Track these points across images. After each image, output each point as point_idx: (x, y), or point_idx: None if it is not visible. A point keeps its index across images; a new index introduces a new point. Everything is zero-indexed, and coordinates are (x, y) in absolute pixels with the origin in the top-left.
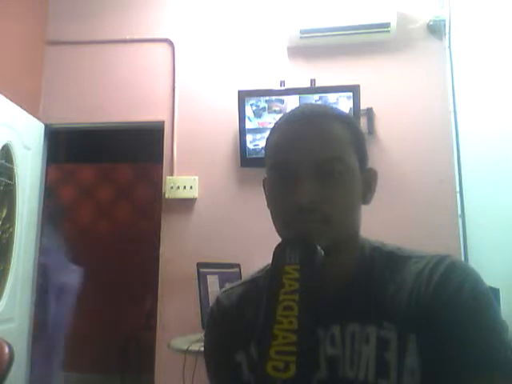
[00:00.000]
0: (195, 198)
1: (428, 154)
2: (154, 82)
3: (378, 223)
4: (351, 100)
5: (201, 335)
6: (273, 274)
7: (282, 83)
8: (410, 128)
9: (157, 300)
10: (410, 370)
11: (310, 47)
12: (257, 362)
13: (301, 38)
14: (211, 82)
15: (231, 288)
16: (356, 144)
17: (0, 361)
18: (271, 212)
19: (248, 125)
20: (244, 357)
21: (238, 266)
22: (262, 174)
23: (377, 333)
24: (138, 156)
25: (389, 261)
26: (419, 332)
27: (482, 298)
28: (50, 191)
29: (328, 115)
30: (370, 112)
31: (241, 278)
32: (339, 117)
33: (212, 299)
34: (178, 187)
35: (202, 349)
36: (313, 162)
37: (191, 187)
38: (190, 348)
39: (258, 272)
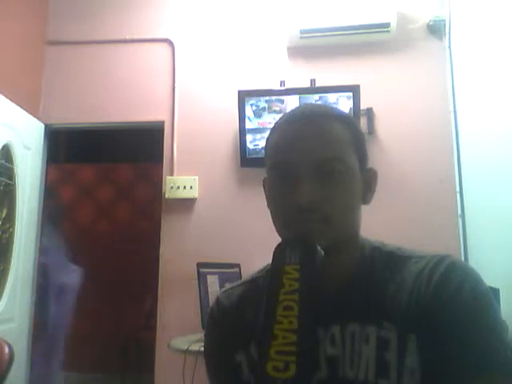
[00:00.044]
0: (195, 198)
1: (428, 154)
2: (153, 82)
3: (378, 223)
4: (351, 100)
5: (201, 335)
6: (273, 274)
7: (282, 83)
8: (409, 128)
9: (157, 300)
10: (410, 369)
11: (310, 47)
12: (257, 362)
13: (301, 37)
14: (211, 82)
15: (231, 288)
16: (356, 144)
17: (0, 361)
18: (271, 212)
19: (248, 125)
20: (244, 357)
21: (238, 266)
22: (261, 173)
23: (377, 333)
24: (138, 156)
25: (389, 261)
26: (419, 332)
27: (481, 298)
28: (50, 191)
29: (328, 115)
30: (370, 112)
31: (241, 277)
32: (339, 117)
33: (212, 299)
34: (178, 187)
35: (202, 349)
36: (313, 162)
37: (191, 187)
38: (190, 348)
39: (258, 272)
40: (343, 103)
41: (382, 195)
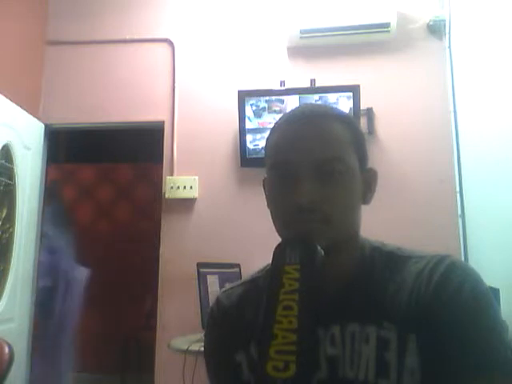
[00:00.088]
0: (195, 198)
1: (428, 154)
2: (154, 82)
3: (378, 223)
4: (351, 100)
5: (201, 335)
6: (273, 274)
7: (282, 83)
8: (409, 128)
9: (157, 300)
10: (410, 369)
11: (310, 47)
12: (257, 362)
13: (301, 37)
14: (211, 82)
15: (231, 288)
16: (356, 144)
17: (0, 361)
18: (271, 212)
19: (248, 125)
20: (244, 357)
21: (238, 266)
22: (261, 173)
23: (377, 333)
24: (138, 156)
25: (389, 261)
26: (419, 332)
27: (481, 298)
28: (50, 191)
29: (328, 115)
30: (370, 112)
31: (241, 278)
32: (339, 117)
33: (212, 299)
34: (178, 187)
35: (202, 349)
36: (313, 162)
37: (191, 187)
38: (190, 348)
39: (258, 272)
40: (343, 103)
41: (382, 195)
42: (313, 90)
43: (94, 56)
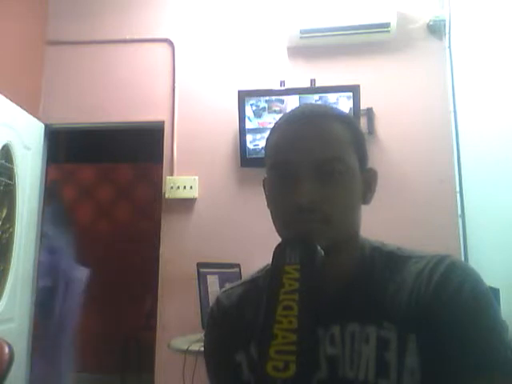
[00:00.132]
0: (195, 198)
1: (428, 154)
2: (154, 82)
3: (378, 223)
4: (351, 100)
5: (201, 335)
6: (273, 274)
7: (282, 83)
8: (410, 128)
9: (157, 300)
10: (410, 369)
11: (310, 47)
12: (257, 362)
13: (301, 37)
14: (211, 82)
15: (231, 288)
16: (356, 144)
17: (0, 361)
18: (271, 212)
19: (248, 125)
20: (244, 357)
21: (238, 266)
22: (261, 173)
23: (377, 333)
24: (138, 156)
25: (389, 261)
26: (419, 332)
27: (481, 298)
28: (50, 191)
29: (328, 115)
30: (370, 112)
31: (241, 277)
32: (339, 117)
33: (212, 299)
34: (178, 187)
35: (202, 349)
36: (313, 162)
37: (191, 187)
38: (190, 348)
39: (258, 272)
40: (343, 103)
41: (382, 195)
42: (313, 89)
43: (93, 56)
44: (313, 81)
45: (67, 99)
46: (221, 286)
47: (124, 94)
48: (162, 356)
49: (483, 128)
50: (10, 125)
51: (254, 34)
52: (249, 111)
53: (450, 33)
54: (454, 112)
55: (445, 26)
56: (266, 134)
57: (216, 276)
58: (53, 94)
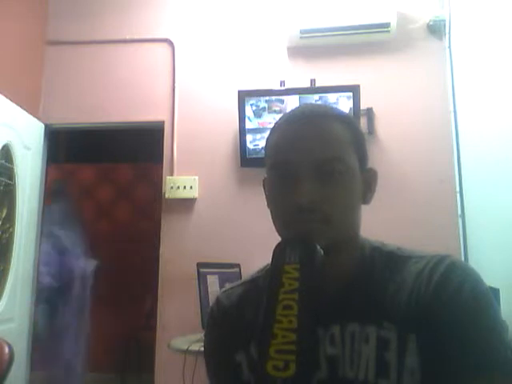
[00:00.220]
0: (195, 198)
1: (428, 153)
2: (154, 82)
3: (378, 223)
4: (351, 100)
5: (201, 335)
6: (272, 274)
7: (282, 83)
8: (410, 128)
9: (157, 300)
10: (410, 369)
11: (310, 47)
12: (257, 362)
13: (301, 37)
14: (211, 82)
15: (231, 288)
16: (356, 144)
17: (0, 361)
18: (271, 212)
19: (248, 125)
20: (244, 357)
21: (238, 266)
22: (261, 173)
23: (377, 333)
24: (138, 156)
25: (389, 261)
26: (419, 332)
27: (481, 298)
28: (56, 190)
29: (328, 115)
30: (370, 112)
31: (241, 277)
32: (339, 117)
33: (212, 299)
34: (178, 187)
35: (202, 349)
36: (313, 162)
37: (191, 187)
38: (190, 348)
39: (258, 272)
40: (343, 103)
41: (382, 195)
42: (313, 89)
43: (94, 56)
44: (313, 81)
45: (67, 99)
46: (221, 286)
47: (124, 94)
48: (161, 356)
49: (483, 128)
50: (10, 125)
51: (253, 34)
52: (249, 111)
53: (449, 33)
54: (454, 112)
55: (445, 25)
56: (266, 134)
57: (216, 276)
58: (53, 94)
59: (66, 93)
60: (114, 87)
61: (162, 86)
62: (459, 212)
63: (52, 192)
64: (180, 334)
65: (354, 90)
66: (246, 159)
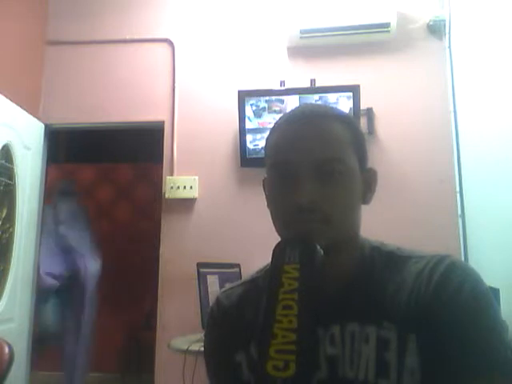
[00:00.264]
0: (195, 198)
1: (428, 153)
2: (154, 82)
3: (378, 223)
4: (351, 100)
5: (201, 335)
6: (272, 274)
7: (282, 83)
8: (410, 128)
9: (157, 300)
10: (410, 369)
11: (310, 47)
12: (257, 362)
13: (301, 38)
14: (211, 82)
15: (231, 288)
16: (356, 144)
17: (0, 361)
18: (271, 212)
19: (248, 125)
20: (244, 357)
21: (238, 266)
22: (261, 173)
23: (377, 333)
24: (138, 156)
25: (389, 261)
26: (419, 332)
27: (482, 298)
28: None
29: (328, 115)
30: (370, 112)
31: (241, 278)
32: (339, 117)
33: (212, 299)
34: (178, 187)
35: (202, 349)
36: (313, 162)
37: (191, 187)
38: (190, 348)
39: (258, 272)
40: (343, 103)
41: (382, 195)
42: (313, 89)
43: (94, 56)
44: (313, 81)
45: (67, 99)
46: (221, 286)
47: (124, 94)
48: (162, 356)
49: (483, 128)
50: (10, 125)
51: (253, 34)
52: (249, 111)
53: (449, 33)
54: (454, 112)
55: (445, 25)
56: (266, 134)
57: (216, 276)
58: (53, 94)
59: (66, 93)
60: (114, 87)
61: (162, 86)
62: (459, 212)
63: (59, 191)
64: (180, 334)
65: (354, 90)
66: (246, 159)
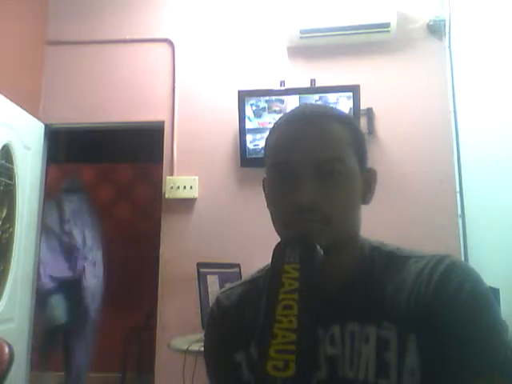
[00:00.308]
0: (195, 198)
1: (428, 153)
2: (154, 82)
3: (378, 223)
4: (351, 100)
5: (201, 335)
6: (272, 274)
7: (282, 83)
8: (410, 128)
9: (157, 300)
10: (409, 370)
11: (310, 47)
12: (257, 362)
13: (301, 38)
14: (211, 82)
15: (231, 288)
16: (356, 144)
17: (0, 361)
18: (271, 212)
19: (248, 125)
20: (244, 357)
21: (238, 266)
22: (261, 174)
23: (377, 333)
24: (138, 156)
25: (388, 261)
26: (419, 332)
27: (482, 298)
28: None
29: (328, 115)
30: (370, 112)
31: (241, 278)
32: (339, 117)
33: (212, 299)
34: (178, 187)
35: (202, 349)
36: (313, 162)
37: (191, 187)
38: (190, 348)
39: (258, 272)
40: (343, 103)
41: (382, 195)
42: (313, 89)
43: (94, 56)
44: (313, 81)
45: (67, 99)
46: (221, 286)
47: (124, 94)
48: (162, 356)
49: (483, 128)
50: (10, 125)
51: (254, 34)
52: (249, 111)
53: (449, 33)
54: (454, 112)
55: (445, 25)
56: (266, 134)
57: (216, 276)
58: (53, 94)
59: (66, 93)
60: (114, 87)
61: (162, 86)
62: (459, 212)
63: (65, 189)
64: (180, 334)
65: (354, 90)
66: (246, 159)
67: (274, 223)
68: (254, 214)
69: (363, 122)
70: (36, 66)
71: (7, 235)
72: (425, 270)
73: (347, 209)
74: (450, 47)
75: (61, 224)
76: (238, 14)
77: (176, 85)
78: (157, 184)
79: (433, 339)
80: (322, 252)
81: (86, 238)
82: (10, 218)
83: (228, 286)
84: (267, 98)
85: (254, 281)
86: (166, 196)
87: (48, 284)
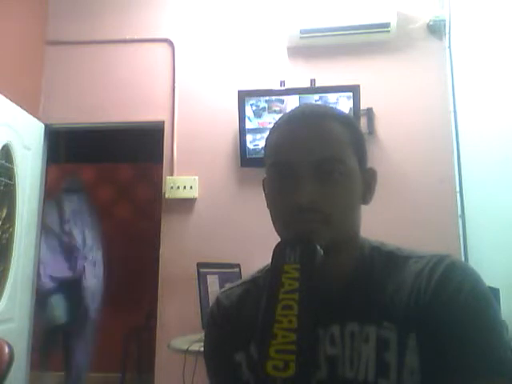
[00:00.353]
0: (195, 198)
1: (428, 153)
2: (154, 82)
3: (378, 223)
4: (351, 100)
5: (201, 335)
6: (272, 274)
7: (282, 83)
8: (409, 128)
9: (157, 300)
10: (409, 369)
11: (310, 47)
12: (257, 362)
13: (301, 38)
14: (211, 82)
15: (231, 288)
16: (356, 144)
17: (0, 361)
18: (271, 212)
19: (248, 125)
20: (244, 357)
21: (238, 266)
22: (261, 174)
23: (376, 332)
24: (138, 156)
25: (388, 261)
26: (419, 332)
27: (481, 298)
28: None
29: (328, 115)
30: (370, 112)
31: (241, 277)
32: (339, 117)
33: (212, 299)
34: (178, 187)
35: (202, 349)
36: (313, 162)
37: (191, 187)
38: (190, 348)
39: (258, 272)
40: (343, 103)
41: (382, 195)
42: (313, 89)
43: (94, 56)
44: (313, 81)
45: (67, 99)
46: (221, 286)
47: (124, 93)
48: (161, 356)
49: (483, 128)
50: (10, 125)
51: (254, 34)
52: (249, 111)
53: (449, 33)
54: (454, 112)
55: (445, 25)
56: (266, 134)
57: (216, 276)
58: (53, 94)
59: (66, 93)
60: (114, 87)
61: (162, 86)
62: (459, 212)
63: (65, 189)
64: (180, 333)
65: (354, 90)
66: (245, 159)
67: (273, 223)
68: (253, 214)
69: (363, 122)
70: (36, 65)
71: (7, 235)
72: (425, 270)
73: (347, 209)
74: (449, 47)
75: (61, 224)
76: (237, 14)
77: (176, 85)
78: (157, 184)
79: (433, 339)
80: (321, 252)
81: (86, 238)
82: (10, 218)
83: (228, 286)
84: (267, 98)
85: (253, 281)
86: (166, 196)
87: (48, 284)
